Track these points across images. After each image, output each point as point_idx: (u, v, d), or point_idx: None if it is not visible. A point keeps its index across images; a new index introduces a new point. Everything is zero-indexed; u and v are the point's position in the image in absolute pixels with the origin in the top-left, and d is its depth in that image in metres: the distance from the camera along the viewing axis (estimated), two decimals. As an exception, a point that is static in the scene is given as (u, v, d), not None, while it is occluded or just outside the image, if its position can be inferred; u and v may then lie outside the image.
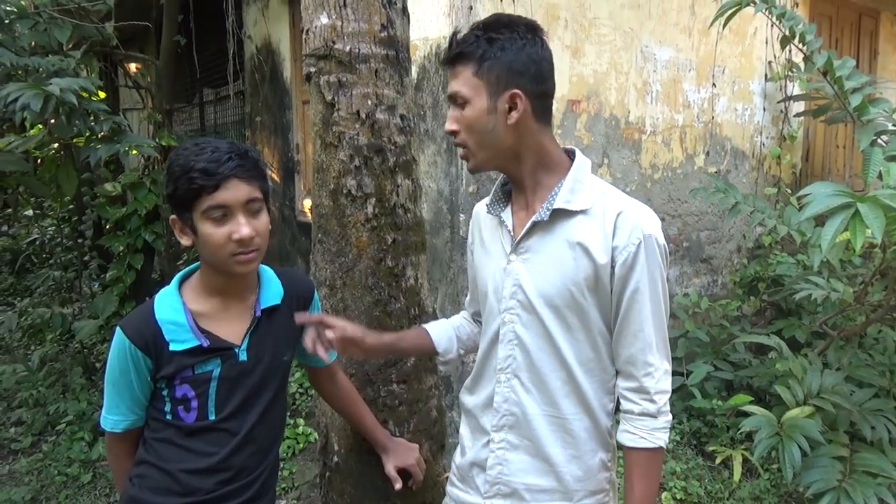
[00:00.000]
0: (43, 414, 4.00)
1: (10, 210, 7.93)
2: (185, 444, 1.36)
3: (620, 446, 1.31)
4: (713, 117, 4.18)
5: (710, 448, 3.26)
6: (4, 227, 8.58)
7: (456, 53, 1.24)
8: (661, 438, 1.26)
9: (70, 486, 3.30)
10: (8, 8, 3.64)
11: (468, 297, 1.61)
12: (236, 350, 1.37)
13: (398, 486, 1.66)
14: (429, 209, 3.14)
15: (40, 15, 3.76)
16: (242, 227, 1.27)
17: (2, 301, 6.75)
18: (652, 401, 1.25)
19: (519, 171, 1.31)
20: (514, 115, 1.23)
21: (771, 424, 2.66)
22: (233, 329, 1.38)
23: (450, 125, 1.28)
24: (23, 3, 3.87)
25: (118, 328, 1.34)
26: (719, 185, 3.26)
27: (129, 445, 1.43)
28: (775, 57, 4.48)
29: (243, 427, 1.39)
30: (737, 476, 2.92)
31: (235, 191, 1.27)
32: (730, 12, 3.05)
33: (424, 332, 1.56)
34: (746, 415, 2.84)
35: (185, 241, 1.33)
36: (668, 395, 1.28)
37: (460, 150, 1.31)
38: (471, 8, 2.93)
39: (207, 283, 1.38)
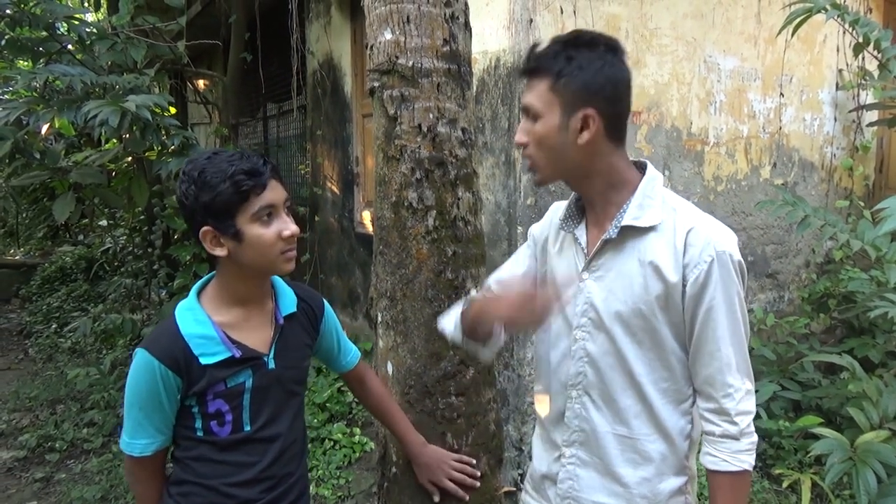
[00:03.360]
0: (113, 416, 4.17)
1: (86, 220, 8.35)
2: (222, 458, 1.35)
3: (704, 469, 1.27)
4: (780, 128, 4.04)
5: (777, 471, 3.13)
6: (81, 237, 9.04)
7: (533, 66, 1.23)
8: (746, 461, 1.21)
9: (137, 487, 3.42)
10: (89, 30, 3.85)
11: (502, 276, 1.49)
12: (265, 359, 1.37)
13: (437, 498, 1.70)
14: (486, 221, 3.14)
15: (118, 35, 3.96)
16: (290, 224, 1.30)
17: (77, 307, 7.09)
18: (733, 422, 1.21)
19: (588, 190, 1.29)
20: (586, 135, 1.20)
21: (844, 448, 2.54)
22: (257, 338, 1.37)
23: (520, 137, 1.26)
24: (102, 24, 4.09)
25: (141, 350, 1.30)
26: (787, 198, 3.14)
27: (157, 467, 1.39)
28: (847, 65, 4.31)
29: (279, 435, 1.40)
30: (805, 501, 2.80)
31: (278, 191, 1.29)
32: (799, 20, 2.95)
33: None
34: (815, 437, 2.72)
35: (220, 251, 1.29)
36: (752, 416, 1.23)
37: (527, 162, 1.29)
38: (530, 21, 2.93)
39: (228, 293, 1.36)
